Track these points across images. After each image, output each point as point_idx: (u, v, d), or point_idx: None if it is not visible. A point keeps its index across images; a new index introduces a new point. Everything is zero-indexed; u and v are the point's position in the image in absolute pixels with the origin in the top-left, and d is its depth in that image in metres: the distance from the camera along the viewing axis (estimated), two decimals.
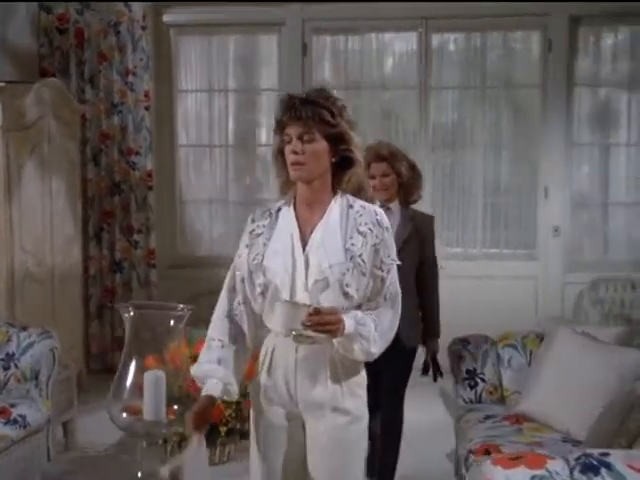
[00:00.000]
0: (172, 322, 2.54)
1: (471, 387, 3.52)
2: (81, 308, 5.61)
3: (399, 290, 2.20)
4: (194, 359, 2.35)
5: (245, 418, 3.81)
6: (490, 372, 3.53)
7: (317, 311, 2.05)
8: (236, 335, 2.28)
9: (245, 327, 2.29)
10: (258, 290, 2.21)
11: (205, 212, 6.42)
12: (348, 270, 2.12)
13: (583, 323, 5.57)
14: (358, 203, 2.20)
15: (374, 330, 2.12)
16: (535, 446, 2.88)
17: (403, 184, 3.42)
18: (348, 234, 2.15)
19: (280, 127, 2.18)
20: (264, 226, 2.26)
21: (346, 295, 2.13)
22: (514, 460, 1.92)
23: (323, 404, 2.18)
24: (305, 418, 2.23)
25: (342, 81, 6.25)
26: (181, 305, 2.72)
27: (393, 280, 2.19)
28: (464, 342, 3.59)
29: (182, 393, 2.51)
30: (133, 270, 6.04)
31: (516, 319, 5.10)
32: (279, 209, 2.28)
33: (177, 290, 5.77)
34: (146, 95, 5.97)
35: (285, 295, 2.14)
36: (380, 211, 2.20)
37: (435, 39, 6.15)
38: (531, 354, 3.49)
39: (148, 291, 6.03)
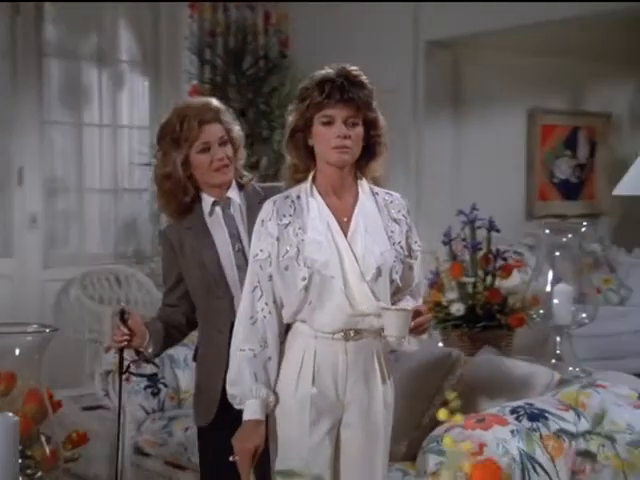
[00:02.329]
0: (18, 351, 2.28)
1: (154, 395, 3.74)
2: None
3: (420, 277, 2.52)
4: None
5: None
6: (170, 375, 3.82)
7: (418, 313, 2.31)
8: (265, 339, 2.33)
9: (274, 329, 2.34)
10: (301, 285, 2.29)
11: None
12: (396, 257, 2.37)
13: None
14: (381, 190, 2.45)
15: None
16: None
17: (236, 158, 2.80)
18: (385, 221, 2.39)
19: (317, 107, 2.29)
20: (290, 215, 2.34)
21: (392, 283, 2.37)
22: (483, 422, 2.53)
23: (376, 402, 2.37)
24: (349, 421, 2.37)
25: None
26: (34, 325, 2.41)
27: (419, 268, 2.49)
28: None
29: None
30: None
31: None
32: (298, 196, 2.37)
33: None
34: None
35: (339, 287, 2.28)
36: (402, 197, 2.48)
37: None
38: None
39: None
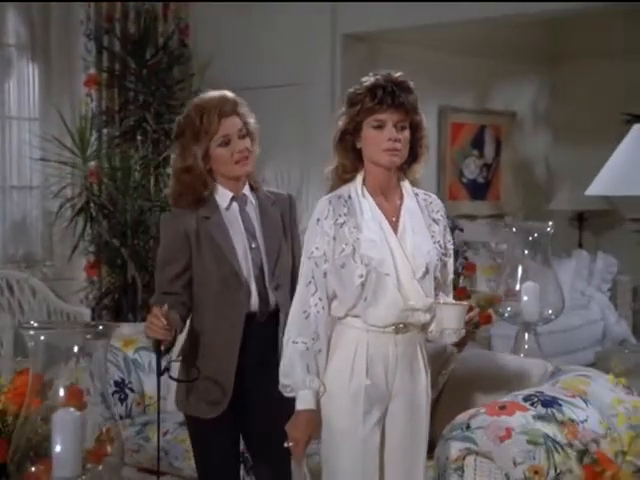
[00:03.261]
0: (76, 348, 2.55)
1: (122, 401, 3.98)
2: None
3: None
4: None
5: None
6: (135, 380, 4.07)
7: (471, 308, 2.72)
8: (317, 332, 2.69)
9: (325, 323, 2.71)
10: (358, 281, 2.66)
11: None
12: (437, 255, 2.76)
13: None
14: (420, 191, 2.84)
15: None
16: None
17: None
18: (427, 221, 2.78)
19: (369, 112, 2.66)
20: (345, 215, 2.71)
21: (435, 280, 2.76)
22: (505, 409, 2.97)
23: (419, 392, 2.77)
24: (394, 410, 2.75)
25: None
26: (92, 323, 2.67)
27: (451, 266, 2.89)
28: None
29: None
30: None
31: None
32: (349, 196, 2.74)
33: None
34: None
35: (392, 283, 2.66)
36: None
37: None
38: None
39: None
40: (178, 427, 3.82)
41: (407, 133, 2.74)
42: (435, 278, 2.79)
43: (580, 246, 8.15)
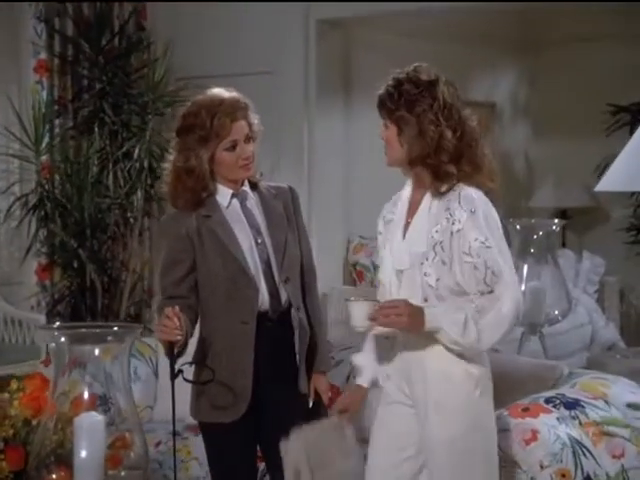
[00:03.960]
0: (97, 351, 2.68)
1: (105, 412, 4.06)
2: None
3: (503, 274, 2.73)
4: None
5: None
6: None
7: (380, 307, 2.78)
8: None
9: None
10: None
11: None
12: (427, 259, 2.80)
13: None
14: (461, 191, 2.79)
15: (468, 319, 2.70)
16: None
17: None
18: (435, 221, 2.82)
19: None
20: (393, 213, 2.95)
21: (427, 285, 2.80)
22: (528, 411, 3.15)
23: (426, 400, 2.82)
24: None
25: None
26: (115, 325, 2.81)
27: (491, 264, 2.72)
28: None
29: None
30: None
31: None
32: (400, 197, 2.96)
33: None
34: None
35: (383, 279, 2.92)
36: (467, 192, 2.77)
37: None
38: (156, 362, 4.32)
39: None
40: (171, 437, 3.91)
41: (387, 132, 2.87)
42: (426, 284, 2.81)
43: (563, 245, 8.33)
